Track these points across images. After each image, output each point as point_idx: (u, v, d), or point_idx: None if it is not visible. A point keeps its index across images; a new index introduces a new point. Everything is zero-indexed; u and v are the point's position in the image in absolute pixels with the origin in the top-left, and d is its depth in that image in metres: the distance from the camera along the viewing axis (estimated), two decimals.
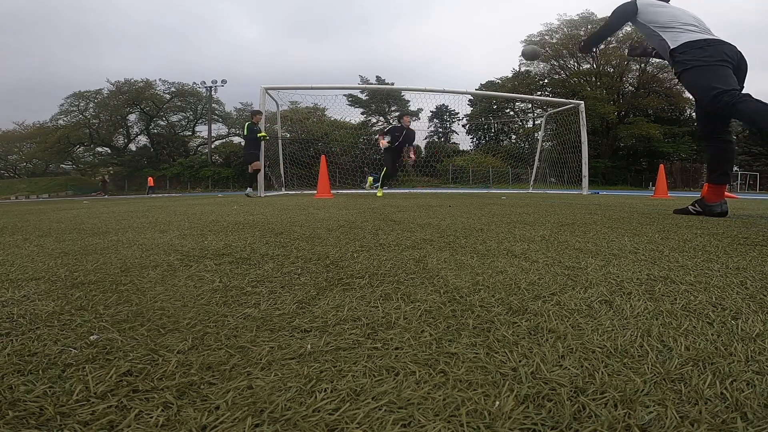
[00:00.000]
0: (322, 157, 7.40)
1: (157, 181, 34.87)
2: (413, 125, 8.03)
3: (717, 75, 2.47)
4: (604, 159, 33.92)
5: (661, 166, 7.44)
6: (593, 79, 36.77)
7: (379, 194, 7.53)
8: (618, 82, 35.79)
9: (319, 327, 0.67)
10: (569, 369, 0.51)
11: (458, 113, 38.85)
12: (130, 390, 0.47)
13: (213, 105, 41.45)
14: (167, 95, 41.31)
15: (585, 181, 11.18)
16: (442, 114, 38.96)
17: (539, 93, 36.37)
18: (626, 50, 3.95)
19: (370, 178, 8.10)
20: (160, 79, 40.43)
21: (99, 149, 42.78)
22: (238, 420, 0.41)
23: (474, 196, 7.60)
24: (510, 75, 39.65)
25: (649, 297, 0.82)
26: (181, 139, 44.35)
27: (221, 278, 1.00)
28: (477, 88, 36.67)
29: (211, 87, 40.06)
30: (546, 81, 39.17)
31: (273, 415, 0.42)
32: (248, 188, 8.21)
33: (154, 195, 21.47)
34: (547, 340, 0.61)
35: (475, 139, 41.47)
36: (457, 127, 41.10)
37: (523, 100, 34.59)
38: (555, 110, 13.12)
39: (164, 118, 43.29)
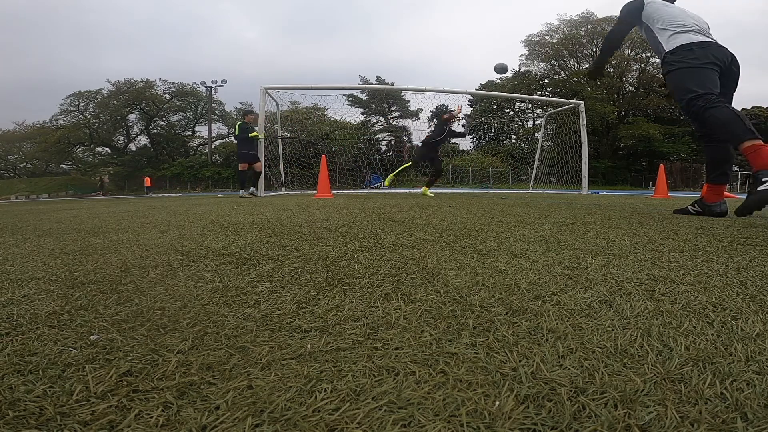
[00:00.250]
0: (323, 157, 7.41)
1: (156, 181, 34.90)
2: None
3: (697, 77, 2.47)
4: (604, 159, 33.92)
5: (661, 166, 7.44)
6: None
7: (426, 193, 7.44)
8: (618, 82, 35.79)
9: (319, 327, 0.67)
10: (569, 369, 0.51)
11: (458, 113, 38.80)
12: (130, 390, 0.47)
13: (213, 105, 41.49)
14: (167, 95, 41.35)
15: (585, 181, 11.19)
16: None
17: (539, 93, 36.37)
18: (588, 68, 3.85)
19: (391, 175, 7.83)
20: (160, 79, 40.55)
21: (99, 149, 42.82)
22: (238, 420, 0.41)
23: (474, 196, 7.60)
24: (510, 75, 39.65)
25: (649, 297, 0.82)
26: (181, 139, 44.36)
27: (221, 278, 1.00)
28: (477, 88, 36.66)
29: (211, 87, 40.09)
30: (546, 81, 39.18)
31: (273, 415, 0.42)
32: (241, 191, 8.12)
33: (153, 195, 21.47)
34: (547, 340, 0.61)
35: (475, 139, 41.47)
36: (457, 127, 41.05)
37: (523, 100, 34.60)
38: (555, 110, 13.12)
39: (164, 118, 43.32)
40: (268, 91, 9.69)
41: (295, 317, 0.72)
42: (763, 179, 2.07)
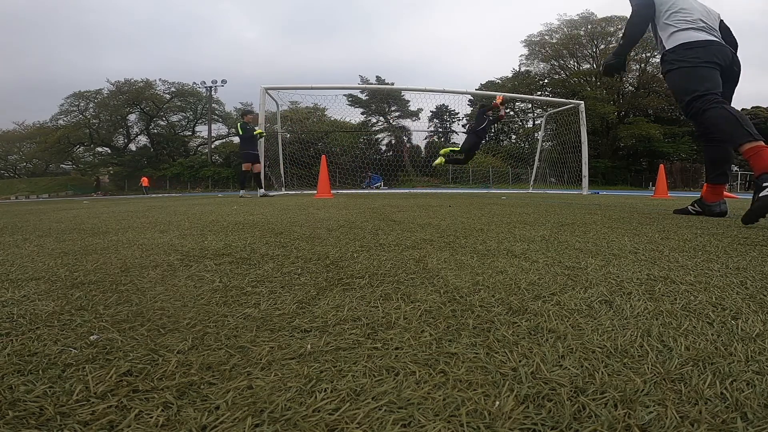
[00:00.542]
0: (323, 157, 7.40)
1: (156, 181, 34.90)
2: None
3: (696, 76, 2.41)
4: (604, 159, 33.92)
5: (661, 166, 7.44)
6: (593, 79, 36.75)
7: (441, 162, 7.49)
8: (618, 82, 35.75)
9: (319, 327, 0.67)
10: (569, 369, 0.51)
11: (458, 113, 38.84)
12: (130, 390, 0.47)
13: (213, 105, 41.48)
14: (167, 95, 41.34)
15: (585, 181, 11.19)
16: (442, 114, 38.94)
17: (539, 93, 36.37)
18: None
19: (442, 158, 7.63)
20: (160, 79, 40.52)
21: (99, 149, 42.82)
22: (238, 420, 0.41)
23: (474, 196, 7.60)
24: (510, 75, 39.68)
25: (649, 297, 0.82)
26: (181, 139, 44.36)
27: (221, 278, 1.00)
28: (477, 88, 36.67)
29: (211, 87, 40.08)
30: (546, 81, 39.17)
31: (273, 415, 0.42)
32: (241, 191, 8.16)
33: (152, 195, 21.47)
34: (547, 340, 0.61)
35: None
36: (457, 127, 41.07)
37: (523, 100, 34.58)
38: (555, 110, 13.12)
39: (164, 118, 43.31)
40: (268, 91, 9.70)
41: (295, 317, 0.72)
42: (764, 184, 2.00)
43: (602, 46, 35.56)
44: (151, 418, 0.42)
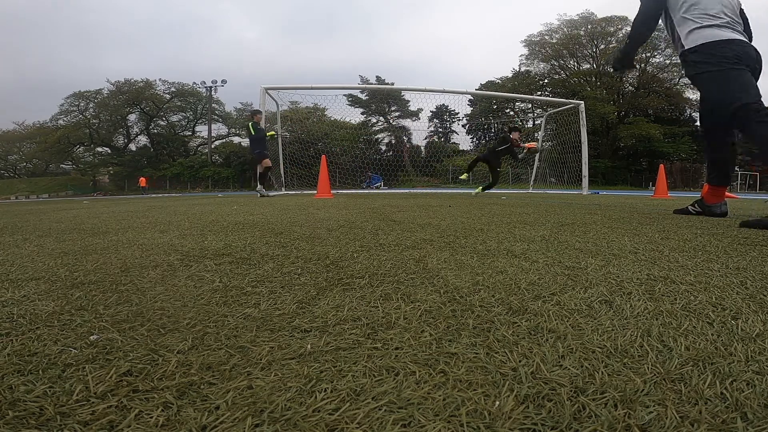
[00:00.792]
0: (323, 157, 7.40)
1: (156, 181, 34.90)
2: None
3: (736, 83, 2.22)
4: (604, 159, 33.89)
5: (661, 166, 7.44)
6: (593, 79, 36.75)
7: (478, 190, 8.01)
8: (618, 82, 35.76)
9: (319, 327, 0.67)
10: (569, 369, 0.51)
11: (458, 113, 38.87)
12: (130, 390, 0.47)
13: (213, 105, 41.50)
14: (167, 95, 41.35)
15: (585, 181, 11.20)
16: (442, 114, 38.96)
17: (539, 93, 36.35)
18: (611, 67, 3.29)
19: (479, 188, 8.21)
20: (160, 79, 40.55)
21: (99, 149, 42.82)
22: (238, 420, 0.41)
23: (474, 196, 7.60)
24: (510, 75, 39.66)
25: (649, 297, 0.82)
26: (181, 139, 44.37)
27: (221, 278, 1.00)
28: (477, 88, 36.67)
29: (211, 87, 40.11)
30: (546, 81, 39.15)
31: (273, 415, 0.42)
32: (259, 185, 8.13)
33: (152, 195, 21.48)
34: (547, 340, 0.61)
35: (475, 139, 41.45)
36: (457, 127, 41.10)
37: (523, 100, 34.57)
38: (555, 110, 13.13)
39: (164, 118, 43.32)
40: (268, 91, 9.70)
41: (295, 317, 0.72)
42: None
43: (602, 46, 35.54)
44: (151, 418, 0.42)
